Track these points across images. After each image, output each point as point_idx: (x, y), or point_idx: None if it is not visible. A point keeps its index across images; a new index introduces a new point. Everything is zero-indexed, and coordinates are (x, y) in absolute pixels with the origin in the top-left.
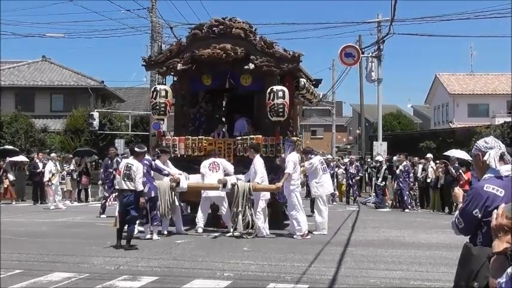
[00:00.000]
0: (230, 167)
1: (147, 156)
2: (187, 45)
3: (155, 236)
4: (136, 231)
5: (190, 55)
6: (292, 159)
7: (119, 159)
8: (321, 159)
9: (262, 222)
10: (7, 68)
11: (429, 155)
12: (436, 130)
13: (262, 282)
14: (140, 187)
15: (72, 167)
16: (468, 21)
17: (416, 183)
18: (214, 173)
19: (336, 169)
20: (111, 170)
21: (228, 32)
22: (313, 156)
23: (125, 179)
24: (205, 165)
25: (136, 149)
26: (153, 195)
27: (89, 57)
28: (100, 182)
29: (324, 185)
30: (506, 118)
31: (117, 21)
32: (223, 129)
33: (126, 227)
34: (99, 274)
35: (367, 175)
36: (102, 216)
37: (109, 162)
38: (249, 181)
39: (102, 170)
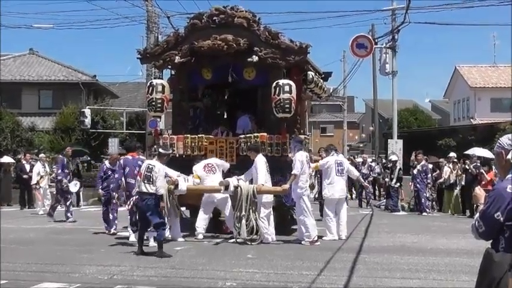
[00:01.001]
0: (225, 163)
1: (141, 156)
2: (185, 36)
3: (151, 243)
4: (166, 237)
5: (189, 47)
6: (299, 158)
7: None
8: (340, 160)
9: (267, 228)
10: None
11: (452, 154)
12: (456, 126)
13: None
14: (161, 191)
15: None
16: (491, 9)
17: (437, 184)
18: (211, 174)
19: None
20: (67, 171)
21: (229, 22)
22: (333, 154)
23: (145, 181)
24: (198, 169)
25: (161, 150)
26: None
27: (80, 49)
28: (50, 182)
29: (334, 187)
30: None
31: (110, 10)
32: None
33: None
34: (91, 284)
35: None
36: (50, 220)
37: (65, 161)
38: (250, 181)
39: (59, 171)
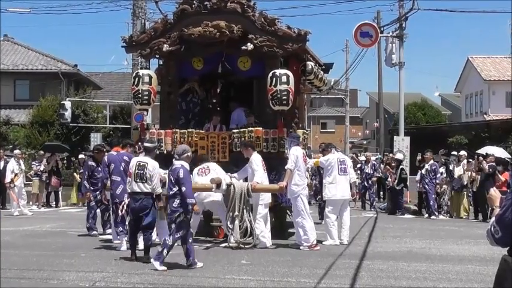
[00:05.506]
0: (223, 174)
1: (127, 151)
2: (174, 22)
3: (123, 247)
4: (154, 238)
5: (178, 34)
6: (293, 152)
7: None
8: (343, 158)
9: (263, 230)
10: None
11: (463, 153)
12: (468, 123)
13: None
14: (159, 189)
15: (42, 167)
16: None
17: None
18: (202, 177)
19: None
20: None
21: (222, 7)
22: (335, 151)
23: (137, 180)
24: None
25: (146, 144)
26: (126, 199)
27: (60, 36)
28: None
29: (336, 187)
30: None
31: None
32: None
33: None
34: None
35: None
36: None
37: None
38: (245, 180)
39: None
